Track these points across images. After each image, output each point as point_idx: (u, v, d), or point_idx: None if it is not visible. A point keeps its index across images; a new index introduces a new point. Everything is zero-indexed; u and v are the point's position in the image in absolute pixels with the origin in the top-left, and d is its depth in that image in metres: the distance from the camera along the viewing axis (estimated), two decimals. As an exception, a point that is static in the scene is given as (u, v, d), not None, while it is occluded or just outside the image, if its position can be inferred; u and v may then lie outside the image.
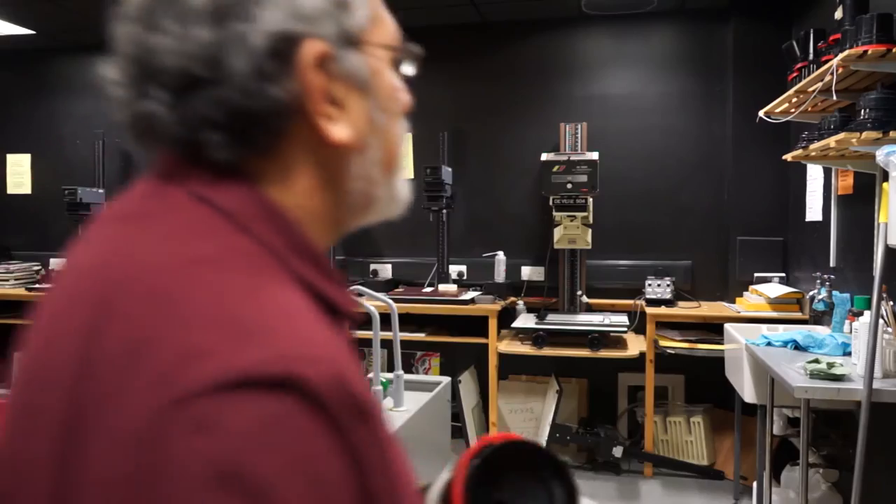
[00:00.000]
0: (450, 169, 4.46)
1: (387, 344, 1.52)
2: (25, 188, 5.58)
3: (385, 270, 4.86)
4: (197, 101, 0.50)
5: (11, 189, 5.60)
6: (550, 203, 4.12)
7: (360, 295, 1.60)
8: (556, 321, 4.03)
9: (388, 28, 0.60)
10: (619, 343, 3.93)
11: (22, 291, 4.85)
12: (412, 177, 4.80)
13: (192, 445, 0.39)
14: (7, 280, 5.07)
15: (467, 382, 4.37)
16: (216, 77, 0.49)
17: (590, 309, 4.31)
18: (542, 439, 4.02)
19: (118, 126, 0.59)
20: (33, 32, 5.03)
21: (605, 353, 3.79)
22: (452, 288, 4.40)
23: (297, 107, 0.52)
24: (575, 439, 4.01)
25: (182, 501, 0.38)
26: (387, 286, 4.57)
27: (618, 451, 3.89)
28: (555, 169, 4.05)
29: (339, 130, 0.54)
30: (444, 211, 4.48)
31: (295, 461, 0.40)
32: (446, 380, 1.82)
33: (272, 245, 0.50)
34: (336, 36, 0.53)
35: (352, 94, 0.55)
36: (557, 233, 4.16)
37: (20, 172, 5.59)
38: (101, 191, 5.00)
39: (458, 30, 4.76)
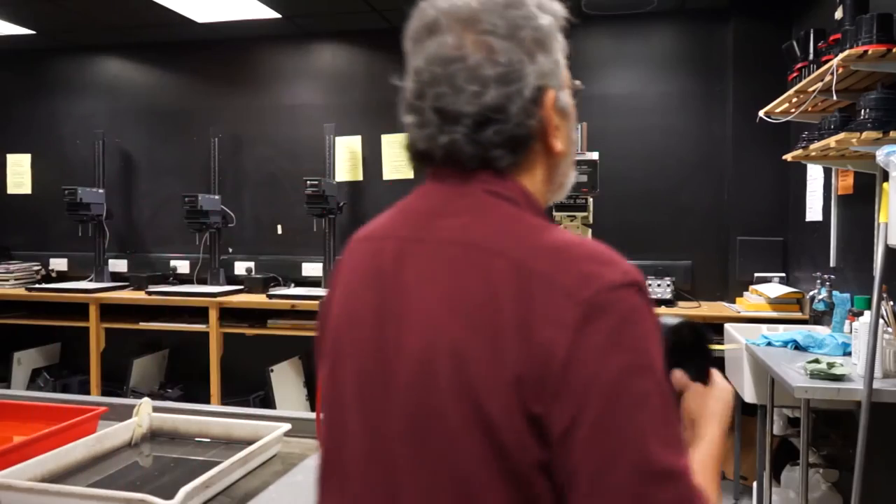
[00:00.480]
0: (450, 169, 4.46)
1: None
2: (25, 188, 5.59)
3: (385, 270, 4.85)
4: (488, 132, 0.79)
5: (11, 189, 5.61)
6: (550, 203, 4.12)
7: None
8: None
9: (567, 73, 0.87)
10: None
11: (22, 291, 4.85)
12: (413, 176, 4.80)
13: (602, 320, 0.69)
14: (7, 280, 5.08)
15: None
16: (502, 117, 0.78)
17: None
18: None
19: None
20: (33, 32, 5.03)
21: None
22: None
23: (540, 131, 0.81)
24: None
25: (604, 353, 0.69)
26: (387, 286, 4.58)
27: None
28: (555, 169, 4.05)
29: (558, 144, 0.84)
30: (444, 211, 4.48)
31: (651, 325, 0.73)
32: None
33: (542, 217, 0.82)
34: (557, 84, 0.83)
35: (563, 120, 0.85)
36: (557, 233, 4.15)
37: (20, 172, 5.60)
38: (101, 191, 5.01)
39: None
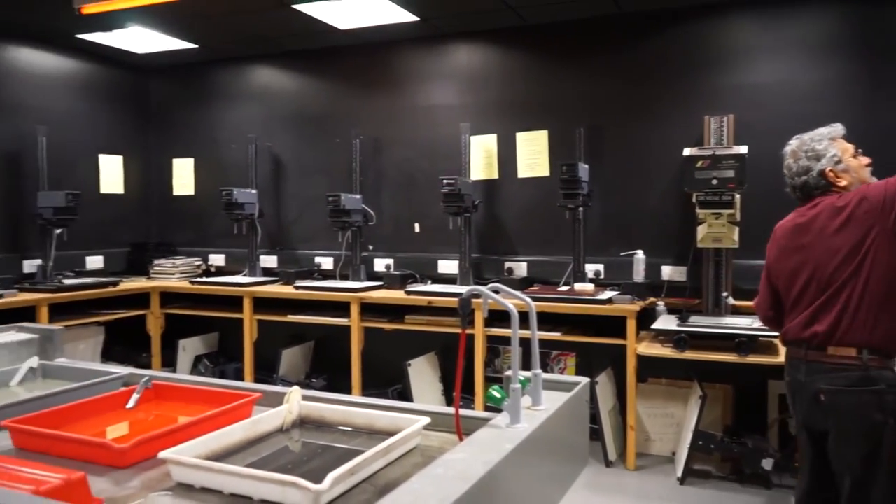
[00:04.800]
0: (586, 166, 4.38)
1: (522, 343, 1.51)
2: (189, 189, 6.08)
3: (520, 269, 4.84)
4: (806, 188, 2.47)
5: (177, 190, 6.12)
6: (693, 200, 3.93)
7: (497, 292, 1.60)
8: (699, 323, 3.84)
9: (846, 145, 2.48)
10: (770, 349, 3.69)
11: (186, 284, 5.28)
12: (548, 174, 4.76)
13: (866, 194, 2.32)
14: (173, 274, 5.55)
15: (604, 384, 4.27)
16: (808, 183, 2.46)
17: (736, 312, 4.07)
18: (684, 447, 3.86)
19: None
20: (196, 46, 5.46)
21: (753, 359, 3.57)
22: (589, 287, 4.32)
23: (828, 183, 2.44)
24: (719, 448, 3.81)
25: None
26: (521, 284, 4.56)
27: (767, 464, 3.66)
28: (698, 164, 3.86)
29: (842, 182, 2.42)
30: (581, 208, 4.40)
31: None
32: (585, 380, 1.78)
33: None
34: (831, 164, 2.43)
35: (844, 172, 2.44)
36: (701, 231, 3.96)
37: (184, 175, 6.10)
38: (253, 191, 5.35)
39: (595, 23, 4.66)
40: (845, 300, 2.26)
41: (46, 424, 1.54)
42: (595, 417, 4.04)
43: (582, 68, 4.72)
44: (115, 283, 5.05)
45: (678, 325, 3.82)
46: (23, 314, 4.11)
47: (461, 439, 1.46)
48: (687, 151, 3.95)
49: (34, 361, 2.16)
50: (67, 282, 4.84)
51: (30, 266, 4.98)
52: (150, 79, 6.19)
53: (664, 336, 3.94)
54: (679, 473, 3.84)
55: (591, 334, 4.22)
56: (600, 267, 4.60)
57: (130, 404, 1.79)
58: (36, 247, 4.94)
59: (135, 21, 4.77)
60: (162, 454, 1.32)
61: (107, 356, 5.15)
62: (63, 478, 1.16)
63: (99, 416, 1.73)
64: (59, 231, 4.79)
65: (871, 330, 2.23)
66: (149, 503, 1.25)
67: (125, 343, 5.33)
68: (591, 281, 4.48)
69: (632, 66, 4.60)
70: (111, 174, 5.84)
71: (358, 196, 5.07)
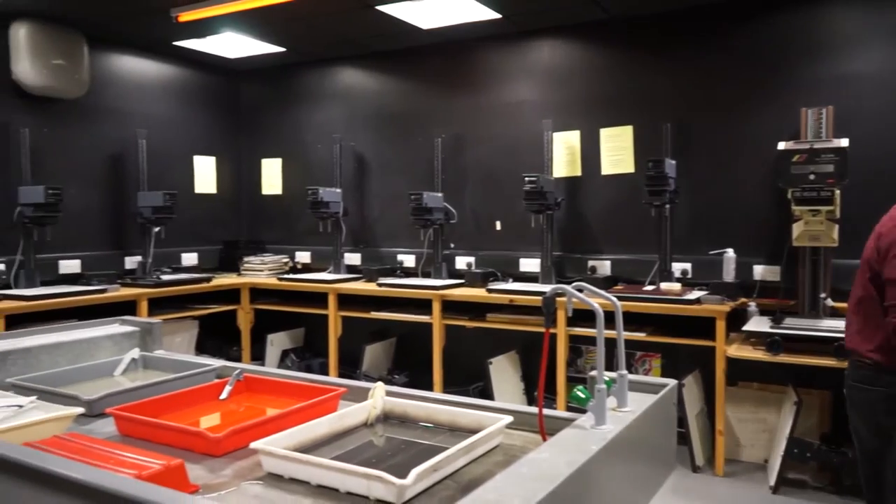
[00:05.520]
0: (673, 162, 4.25)
1: (605, 343, 1.48)
2: (277, 189, 6.27)
3: (604, 267, 4.76)
4: None
5: (266, 190, 6.33)
6: (789, 196, 3.75)
7: (581, 290, 1.58)
8: (794, 325, 3.67)
9: None
10: (873, 353, 3.47)
11: (274, 281, 5.45)
12: (633, 171, 4.65)
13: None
14: (262, 270, 5.74)
15: (691, 387, 4.14)
16: None
17: (835, 314, 3.86)
18: (778, 454, 3.69)
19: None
20: (283, 50, 5.62)
21: (854, 364, 3.37)
22: (676, 286, 4.19)
23: None
24: (816, 457, 3.62)
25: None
26: (605, 283, 4.48)
27: (869, 475, 3.45)
28: (794, 158, 3.68)
29: None
30: (667, 206, 4.28)
31: None
32: (673, 382, 1.73)
33: None
34: None
35: None
36: (797, 228, 3.78)
37: (273, 175, 6.30)
38: (338, 190, 5.47)
39: (682, 14, 4.51)
40: (867, 311, 2.35)
41: (147, 413, 1.63)
42: (682, 421, 3.92)
43: (668, 61, 4.59)
44: (208, 279, 5.26)
45: (771, 328, 3.65)
46: (124, 308, 4.35)
47: (545, 439, 1.45)
48: (782, 145, 3.77)
49: (136, 353, 2.28)
50: (165, 277, 5.08)
51: (131, 262, 5.27)
52: (241, 82, 6.42)
53: (756, 338, 3.78)
54: (772, 482, 3.68)
55: (678, 335, 4.09)
56: (688, 266, 4.46)
57: (223, 395, 1.87)
58: (136, 244, 5.22)
59: (228, 27, 4.96)
60: (254, 444, 1.37)
61: (200, 349, 5.39)
62: (163, 464, 1.22)
63: (194, 405, 1.81)
64: (157, 229, 5.05)
65: (886, 347, 2.27)
66: (241, 492, 1.30)
67: (217, 336, 5.56)
68: (678, 280, 4.35)
69: (721, 58, 4.43)
70: (205, 175, 6.10)
71: (439, 194, 5.10)
